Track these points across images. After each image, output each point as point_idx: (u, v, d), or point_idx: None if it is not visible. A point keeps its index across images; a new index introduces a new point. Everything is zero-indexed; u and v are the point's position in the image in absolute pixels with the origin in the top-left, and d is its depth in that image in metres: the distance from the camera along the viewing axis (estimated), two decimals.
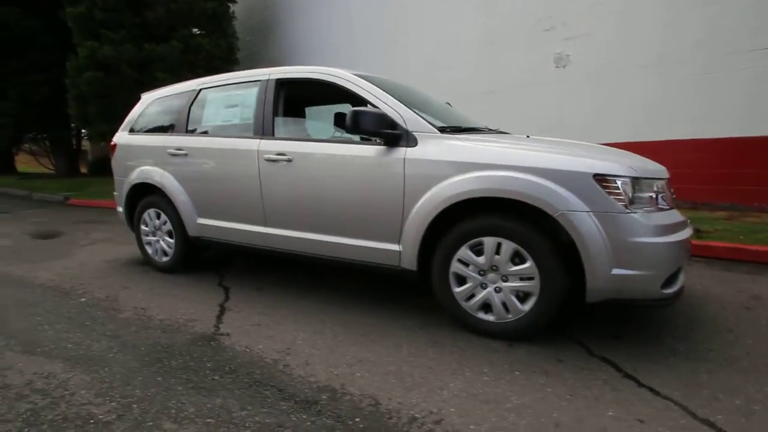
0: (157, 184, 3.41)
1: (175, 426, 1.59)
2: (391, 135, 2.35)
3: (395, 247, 2.44)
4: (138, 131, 3.72)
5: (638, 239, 1.93)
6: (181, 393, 1.81)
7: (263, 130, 2.89)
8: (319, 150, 2.66)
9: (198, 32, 9.99)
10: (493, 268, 2.18)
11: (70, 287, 3.29)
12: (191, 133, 3.29)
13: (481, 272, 2.22)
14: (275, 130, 2.86)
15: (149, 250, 3.68)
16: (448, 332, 2.33)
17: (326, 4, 10.41)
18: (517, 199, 2.05)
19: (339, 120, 2.99)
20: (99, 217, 7.02)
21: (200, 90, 3.34)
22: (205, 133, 3.23)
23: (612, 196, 1.95)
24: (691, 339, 2.20)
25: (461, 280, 2.28)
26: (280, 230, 2.86)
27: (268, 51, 12.32)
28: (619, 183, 1.96)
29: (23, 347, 2.27)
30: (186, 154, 3.24)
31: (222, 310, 2.75)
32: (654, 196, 2.03)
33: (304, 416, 1.63)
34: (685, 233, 2.13)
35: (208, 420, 1.62)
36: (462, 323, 2.32)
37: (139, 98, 3.93)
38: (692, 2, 5.28)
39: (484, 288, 2.23)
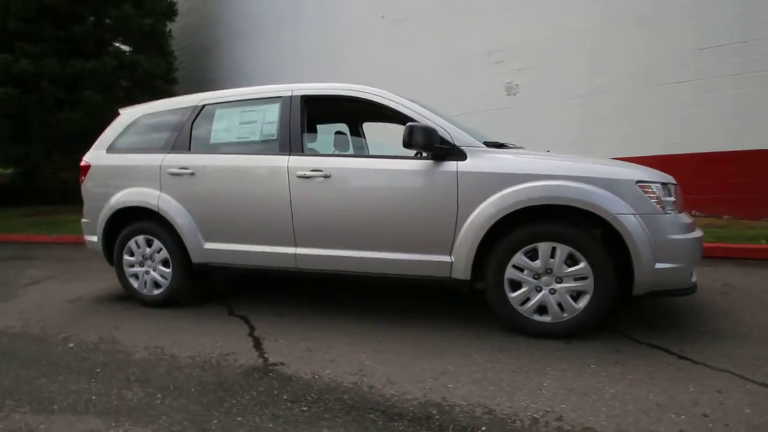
0: (152, 208, 3.03)
1: None
2: (442, 149, 2.42)
3: (446, 258, 2.46)
4: (120, 150, 3.29)
5: (674, 236, 2.21)
6: (278, 430, 1.61)
7: (291, 146, 2.76)
8: (361, 165, 2.63)
9: (129, 50, 9.19)
10: (548, 271, 2.32)
11: (43, 332, 2.75)
12: (196, 152, 3.01)
13: (536, 276, 2.34)
14: (304, 147, 2.75)
15: (134, 282, 3.21)
16: (504, 337, 2.38)
17: (273, 28, 10.31)
18: (572, 206, 2.23)
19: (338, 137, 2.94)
20: (22, 252, 5.96)
21: (204, 106, 3.09)
22: (213, 151, 2.98)
23: (651, 200, 2.22)
24: (702, 323, 2.53)
25: (515, 285, 2.37)
26: (313, 250, 2.71)
27: (207, 72, 11.75)
28: (654, 188, 2.24)
29: (32, 406, 1.85)
30: (192, 174, 2.94)
31: (256, 339, 2.50)
32: (676, 199, 2.35)
33: None
34: (699, 231, 2.48)
35: None
36: (516, 327, 2.40)
37: (117, 114, 3.50)
38: (620, 43, 6.24)
39: (539, 291, 2.34)
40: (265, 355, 2.29)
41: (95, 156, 3.34)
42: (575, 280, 2.28)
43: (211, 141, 3.02)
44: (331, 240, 2.67)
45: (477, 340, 2.37)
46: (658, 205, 2.22)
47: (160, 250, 3.09)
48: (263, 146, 2.86)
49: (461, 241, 2.40)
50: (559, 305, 2.31)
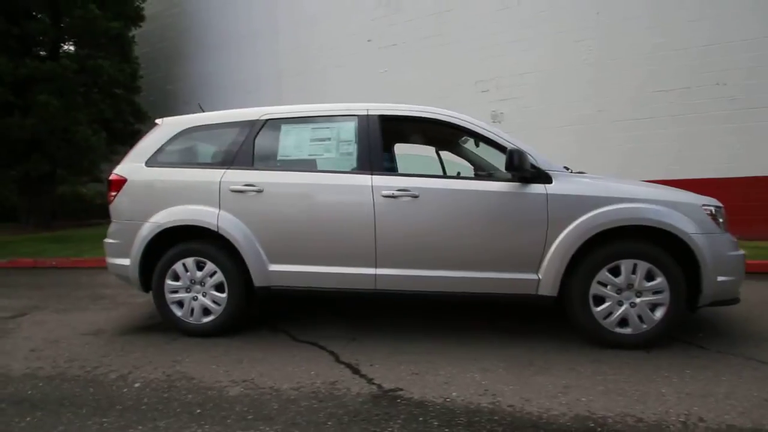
0: (210, 227, 2.77)
1: None
2: (535, 173, 2.55)
3: (533, 276, 2.56)
4: (164, 164, 2.97)
5: (730, 253, 2.53)
6: None
7: (372, 165, 2.72)
8: (450, 186, 2.66)
9: (86, 52, 8.30)
10: (629, 286, 2.51)
11: (86, 372, 2.36)
12: (261, 168, 2.82)
13: (618, 291, 2.52)
14: (386, 166, 2.72)
15: (177, 311, 2.87)
16: (591, 350, 2.50)
17: (249, 44, 10.03)
18: (654, 226, 2.46)
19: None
20: None
21: (266, 120, 2.92)
22: (282, 167, 2.82)
23: (712, 221, 2.53)
24: (749, 328, 2.87)
25: (599, 300, 2.54)
26: (396, 270, 2.66)
27: (168, 81, 11.03)
28: (713, 210, 2.56)
29: None
30: (260, 191, 2.75)
31: (349, 366, 2.37)
32: (725, 220, 2.70)
33: None
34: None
35: None
36: (600, 340, 2.55)
37: (154, 124, 3.17)
38: (594, 79, 6.99)
39: (620, 305, 2.53)
40: (375, 381, 2.18)
41: (132, 169, 2.99)
42: (653, 293, 2.50)
43: (279, 157, 2.86)
44: (417, 260, 2.64)
45: (568, 354, 2.47)
46: (718, 225, 2.54)
47: (214, 273, 2.81)
48: (340, 164, 2.78)
49: (550, 259, 2.52)
50: (639, 317, 2.51)
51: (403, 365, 2.37)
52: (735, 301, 2.62)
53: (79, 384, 2.22)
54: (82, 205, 10.44)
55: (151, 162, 2.99)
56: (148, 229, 2.85)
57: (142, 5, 9.17)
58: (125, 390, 2.14)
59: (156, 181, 2.93)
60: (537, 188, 2.56)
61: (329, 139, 2.84)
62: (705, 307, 2.62)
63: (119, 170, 3.02)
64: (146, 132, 3.24)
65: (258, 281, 2.78)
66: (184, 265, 2.85)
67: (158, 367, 2.41)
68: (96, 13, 7.24)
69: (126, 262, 2.95)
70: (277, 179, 2.78)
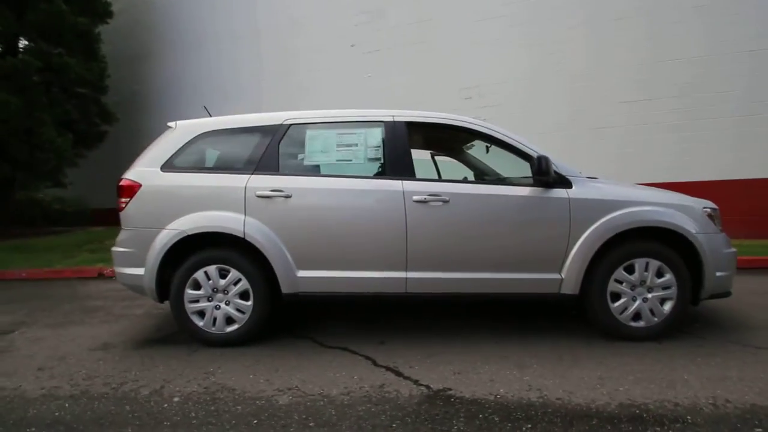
0: (236, 234, 2.69)
1: None
2: (557, 178, 2.69)
3: (556, 275, 2.70)
4: (181, 168, 2.85)
5: (726, 250, 2.80)
6: None
7: (402, 171, 2.75)
8: (478, 191, 2.75)
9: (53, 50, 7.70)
10: (641, 283, 2.71)
11: (113, 389, 2.23)
12: (287, 173, 2.78)
13: (632, 287, 2.71)
14: (414, 172, 2.77)
15: (198, 321, 2.76)
16: (608, 343, 2.67)
17: (229, 41, 9.74)
18: (664, 227, 2.67)
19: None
20: None
21: (290, 125, 2.88)
22: (309, 173, 2.79)
23: (712, 222, 2.78)
24: (737, 319, 3.16)
25: (615, 296, 2.72)
26: (426, 273, 2.71)
27: (135, 82, 10.48)
28: (710, 211, 2.82)
29: None
30: (288, 197, 2.71)
31: (390, 369, 2.39)
32: (719, 220, 2.97)
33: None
34: None
35: None
36: (615, 333, 2.72)
37: (167, 127, 3.03)
38: (569, 88, 7.39)
39: (634, 301, 2.72)
40: (422, 383, 2.21)
41: (147, 174, 2.84)
42: (662, 289, 2.71)
43: (306, 163, 2.83)
44: (447, 263, 2.71)
45: (592, 348, 2.61)
46: (716, 226, 2.80)
47: (238, 281, 2.73)
48: (368, 170, 2.80)
49: (573, 259, 2.67)
50: (651, 311, 2.71)
51: (441, 366, 2.42)
52: (728, 294, 2.90)
53: (110, 402, 2.09)
54: (40, 211, 9.66)
55: (167, 167, 2.86)
56: (167, 237, 2.72)
57: (110, 0, 8.65)
58: (165, 405, 2.04)
59: (174, 187, 2.80)
60: (560, 192, 2.71)
61: (356, 144, 2.85)
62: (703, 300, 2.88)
63: (132, 175, 2.87)
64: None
65: (286, 288, 2.73)
66: (206, 273, 2.74)
67: (191, 379, 2.31)
68: (62, 7, 6.73)
69: (140, 271, 2.79)
70: (306, 185, 2.76)
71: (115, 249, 2.92)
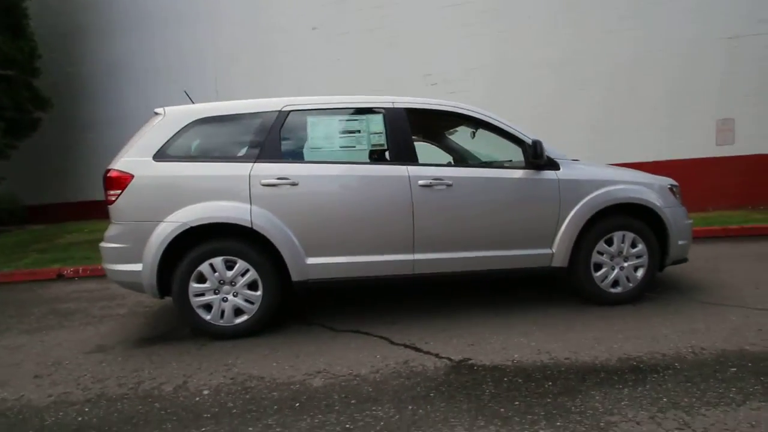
0: (243, 224, 2.63)
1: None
2: (549, 160, 2.91)
3: (548, 250, 2.95)
4: (175, 158, 2.70)
5: (685, 221, 3.20)
6: (604, 404, 1.83)
7: (405, 156, 2.83)
8: (478, 174, 2.90)
9: None
10: (619, 253, 3.03)
11: (131, 390, 2.16)
12: (291, 161, 2.74)
13: (612, 257, 3.03)
14: (418, 157, 2.85)
15: (204, 314, 2.68)
16: (594, 308, 2.97)
17: (179, 21, 9.05)
18: (637, 203, 3.00)
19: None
20: None
21: (289, 111, 2.83)
22: (313, 160, 2.77)
23: (674, 197, 3.16)
24: (686, 282, 3.64)
25: (597, 266, 3.02)
26: (432, 255, 2.83)
27: (68, 64, 9.45)
28: (672, 188, 3.20)
29: None
30: (294, 184, 2.68)
31: (408, 346, 2.52)
32: (680, 195, 3.37)
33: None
34: None
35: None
36: (597, 299, 3.04)
37: (153, 114, 2.83)
38: (546, 72, 7.78)
39: (613, 270, 3.04)
40: (442, 356, 2.36)
41: (138, 164, 2.66)
42: (636, 258, 3.05)
43: (310, 150, 2.81)
44: (451, 243, 2.85)
45: (579, 314, 2.90)
46: (677, 200, 3.19)
47: (246, 271, 2.69)
48: (372, 156, 2.83)
49: (562, 235, 2.93)
50: (627, 278, 3.05)
51: (454, 339, 2.58)
52: (685, 260, 3.32)
53: (134, 402, 2.01)
54: None
55: (160, 156, 2.70)
56: (167, 230, 2.60)
57: None
58: (197, 399, 2.01)
59: (171, 177, 2.67)
60: (550, 174, 2.94)
61: (359, 131, 2.87)
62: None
63: (121, 166, 2.67)
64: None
65: (296, 276, 2.73)
66: (211, 265, 2.67)
67: (213, 372, 2.27)
68: None
69: (136, 267, 2.65)
70: (313, 172, 2.75)
71: (105, 245, 2.74)
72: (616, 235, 3.01)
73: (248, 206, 2.67)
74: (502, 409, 1.81)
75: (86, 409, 1.96)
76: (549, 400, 1.87)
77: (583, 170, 3.04)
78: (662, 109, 7.37)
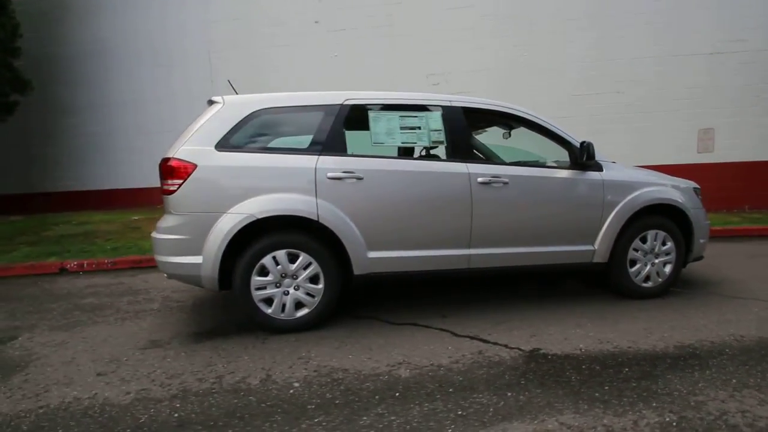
0: (309, 216, 2.60)
1: None
2: (595, 163, 3.07)
3: (590, 247, 3.12)
4: (238, 148, 2.63)
5: (705, 222, 3.48)
6: (684, 386, 1.97)
7: (464, 154, 2.90)
8: (530, 173, 3.01)
9: None
10: (652, 250, 3.25)
11: (214, 384, 2.11)
12: (355, 154, 2.73)
13: (645, 254, 3.24)
14: (475, 155, 2.93)
15: (265, 308, 2.64)
16: (628, 302, 3.18)
17: (171, 4, 8.66)
18: (671, 204, 3.22)
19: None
20: None
21: (351, 105, 2.82)
22: (375, 154, 2.78)
23: (697, 199, 3.42)
24: (708, 277, 3.94)
25: (632, 263, 3.23)
26: (487, 250, 2.93)
27: (50, 44, 8.82)
28: (697, 191, 3.46)
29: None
30: (359, 178, 2.68)
31: (474, 338, 2.60)
32: (701, 197, 3.64)
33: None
34: None
35: None
36: (631, 294, 3.25)
37: (211, 103, 2.73)
38: (543, 78, 8.05)
39: (646, 266, 3.26)
40: (511, 346, 2.46)
41: (201, 154, 2.57)
42: (665, 255, 3.29)
43: (372, 144, 2.81)
44: (505, 239, 2.96)
45: (621, 307, 3.09)
46: (700, 202, 3.46)
47: (309, 264, 2.67)
48: (432, 152, 2.88)
49: (604, 233, 3.11)
50: (657, 273, 3.28)
51: (514, 331, 2.69)
52: (702, 258, 3.61)
53: (227, 395, 1.97)
54: None
55: (222, 146, 2.63)
56: (232, 221, 2.54)
57: None
58: (291, 391, 2.00)
59: (235, 168, 2.60)
60: (594, 175, 3.11)
61: (419, 128, 2.91)
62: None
63: (183, 155, 2.58)
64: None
65: (358, 269, 2.74)
66: (274, 258, 2.63)
67: (292, 365, 2.26)
68: None
69: (196, 259, 2.57)
70: (378, 166, 2.77)
71: (161, 236, 2.63)
72: (650, 234, 3.23)
73: (314, 199, 2.65)
74: (596, 394, 1.93)
75: (177, 405, 1.90)
76: (634, 384, 2.01)
77: (623, 172, 3.24)
78: (648, 117, 7.86)
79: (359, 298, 3.41)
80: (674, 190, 3.31)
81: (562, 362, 2.26)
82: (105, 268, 4.63)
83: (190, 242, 2.59)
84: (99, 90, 8.97)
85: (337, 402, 1.90)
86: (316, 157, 2.71)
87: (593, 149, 2.98)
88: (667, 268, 3.31)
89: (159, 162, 2.71)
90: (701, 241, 3.43)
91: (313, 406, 1.87)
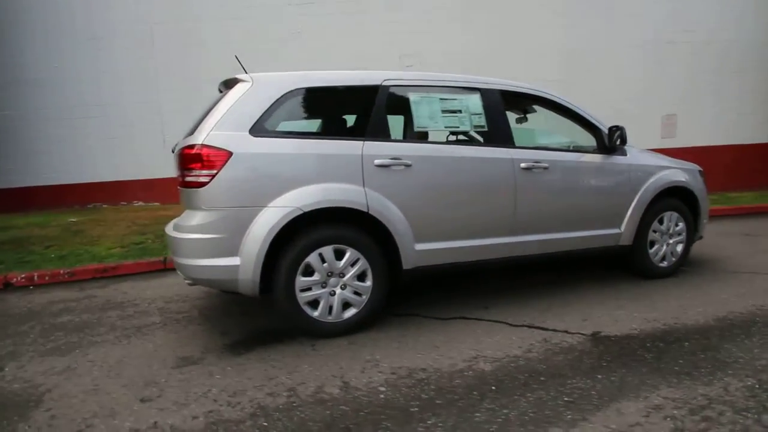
0: (360, 208, 2.54)
1: None
2: (620, 147, 3.33)
3: (617, 230, 3.41)
4: (274, 133, 2.47)
5: (706, 202, 3.94)
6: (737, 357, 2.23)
7: (504, 139, 2.99)
8: (569, 158, 3.20)
9: None
10: (668, 230, 3.62)
11: (301, 401, 2.03)
12: (398, 140, 2.70)
13: (662, 235, 3.60)
14: (515, 140, 3.04)
15: (311, 311, 2.54)
16: (648, 282, 3.53)
17: None
18: (683, 186, 3.60)
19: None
20: None
21: (389, 87, 2.77)
22: (418, 139, 2.77)
23: (702, 181, 3.86)
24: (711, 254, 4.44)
25: (651, 244, 3.57)
26: (526, 237, 3.08)
27: None
28: (701, 173, 3.90)
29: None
30: (408, 165, 2.66)
31: (531, 326, 2.74)
32: (705, 179, 4.09)
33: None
34: None
35: None
36: (648, 274, 3.60)
37: (234, 82, 2.52)
38: (519, 54, 8.39)
39: (662, 246, 3.62)
40: (571, 331, 2.64)
41: (236, 139, 2.39)
42: (677, 235, 3.69)
43: (416, 129, 2.80)
44: (545, 226, 3.14)
45: (644, 287, 3.42)
46: (704, 184, 3.90)
47: (356, 261, 2.62)
48: (475, 137, 2.94)
49: (630, 216, 3.41)
50: (671, 253, 3.67)
51: (565, 316, 2.88)
52: (701, 237, 4.10)
53: (313, 407, 1.90)
54: None
55: (257, 131, 2.47)
56: (277, 216, 2.41)
57: None
58: (382, 396, 1.98)
59: (274, 155, 2.46)
60: (622, 159, 3.39)
61: (460, 111, 2.96)
62: None
63: (214, 141, 2.38)
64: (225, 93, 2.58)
65: (407, 264, 2.75)
66: (320, 255, 2.54)
67: (363, 370, 2.23)
68: None
69: (233, 261, 2.42)
70: (426, 152, 2.77)
71: (189, 236, 2.42)
72: (666, 215, 3.60)
73: (362, 189, 2.60)
74: (675, 368, 2.15)
75: (264, 424, 1.80)
76: (702, 356, 2.27)
77: (643, 156, 3.57)
78: (614, 104, 8.63)
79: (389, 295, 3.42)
80: (684, 173, 3.71)
81: (627, 342, 2.47)
82: (62, 280, 4.13)
83: (225, 242, 2.41)
84: (8, 67, 7.88)
85: (438, 402, 1.92)
86: (361, 142, 2.66)
87: (626, 134, 3.24)
88: (679, 248, 3.72)
89: (178, 149, 2.49)
90: (704, 221, 3.90)
91: (417, 409, 1.88)
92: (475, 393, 1.99)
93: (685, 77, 8.66)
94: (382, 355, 2.40)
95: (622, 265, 3.80)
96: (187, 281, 2.64)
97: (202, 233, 2.43)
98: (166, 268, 4.49)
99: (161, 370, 2.31)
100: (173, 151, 3.17)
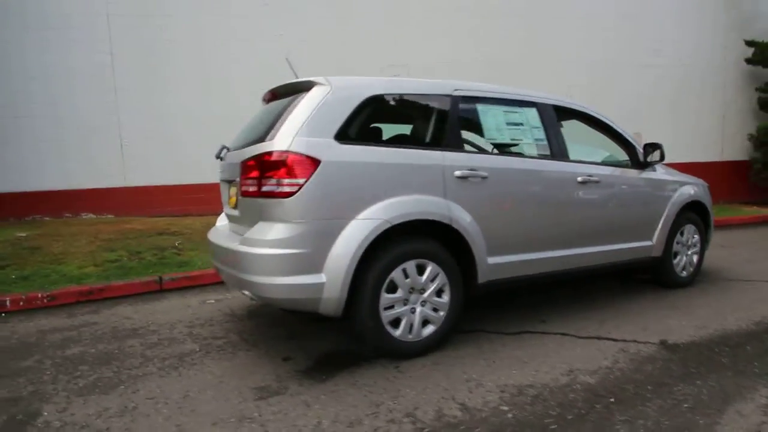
0: (444, 221, 2.56)
1: None
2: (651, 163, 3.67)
3: (649, 242, 3.73)
4: (359, 140, 2.41)
5: (712, 215, 4.43)
6: None
7: (562, 152, 3.17)
8: (614, 172, 3.47)
9: None
10: (687, 242, 4.01)
11: (442, 424, 1.94)
12: (470, 151, 2.76)
13: (683, 247, 3.99)
14: (569, 154, 3.23)
15: (393, 331, 2.49)
16: (670, 291, 3.89)
17: None
18: (699, 200, 4.02)
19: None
20: None
21: (460, 97, 2.84)
22: (488, 151, 2.85)
23: (709, 195, 4.34)
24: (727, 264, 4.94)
25: (675, 255, 3.94)
26: (577, 250, 3.27)
27: None
28: (707, 188, 4.38)
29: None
30: (485, 177, 2.72)
31: (597, 337, 2.91)
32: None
33: None
34: None
35: None
36: (671, 284, 3.97)
37: (309, 86, 2.44)
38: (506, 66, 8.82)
39: (683, 257, 4.01)
40: (639, 341, 2.84)
41: (323, 146, 2.30)
42: (693, 246, 4.11)
43: (485, 140, 2.88)
44: (595, 238, 3.37)
45: (670, 297, 3.76)
46: (710, 197, 4.39)
47: (436, 276, 2.62)
48: (534, 150, 3.09)
49: (660, 228, 3.76)
50: (689, 264, 4.08)
51: (622, 327, 3.09)
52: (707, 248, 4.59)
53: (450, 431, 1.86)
54: None
55: (341, 137, 2.41)
56: (366, 229, 2.36)
57: None
58: (510, 416, 2.01)
59: (362, 164, 2.43)
60: (653, 174, 3.75)
61: (522, 124, 3.10)
62: None
63: (302, 147, 2.28)
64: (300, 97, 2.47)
65: (482, 277, 2.80)
66: (404, 271, 2.52)
67: (471, 390, 2.25)
68: None
69: (317, 279, 2.32)
70: (500, 164, 2.88)
71: (271, 251, 2.28)
72: (686, 228, 4.01)
73: (444, 201, 2.63)
74: (756, 370, 2.41)
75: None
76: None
77: (668, 171, 3.95)
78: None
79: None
80: (697, 187, 4.16)
81: (697, 349, 2.72)
82: (40, 305, 3.65)
83: (309, 257, 2.31)
84: None
85: (568, 417, 1.99)
86: (441, 153, 2.69)
87: (664, 151, 3.59)
88: (695, 258, 4.15)
89: (252, 156, 2.35)
90: (711, 231, 4.38)
91: (555, 426, 1.92)
92: (597, 406, 2.08)
93: (648, 97, 9.68)
94: (477, 374, 2.42)
95: (629, 275, 4.23)
96: (252, 298, 2.49)
97: (283, 248, 2.30)
98: (163, 288, 4.16)
99: (245, 404, 2.15)
100: (219, 158, 3.00)
